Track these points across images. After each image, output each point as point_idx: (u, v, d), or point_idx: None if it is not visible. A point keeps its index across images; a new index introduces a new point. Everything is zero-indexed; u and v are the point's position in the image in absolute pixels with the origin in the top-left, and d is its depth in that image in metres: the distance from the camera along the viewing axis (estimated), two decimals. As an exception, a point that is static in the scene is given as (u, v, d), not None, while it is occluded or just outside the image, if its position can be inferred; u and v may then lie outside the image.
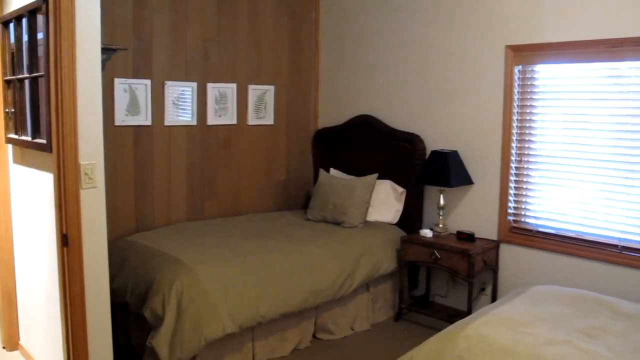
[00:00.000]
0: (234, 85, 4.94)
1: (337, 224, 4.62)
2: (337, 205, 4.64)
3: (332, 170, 5.20)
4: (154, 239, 4.02)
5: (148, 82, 4.38)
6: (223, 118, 4.90)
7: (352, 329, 4.32)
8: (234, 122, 4.98)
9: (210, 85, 4.77)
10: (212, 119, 4.82)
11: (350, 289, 4.14)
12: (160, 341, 3.23)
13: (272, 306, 3.64)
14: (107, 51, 3.74)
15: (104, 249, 2.90)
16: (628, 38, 3.69)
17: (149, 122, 4.42)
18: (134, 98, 4.31)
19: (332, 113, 5.46)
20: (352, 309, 4.32)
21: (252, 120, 5.11)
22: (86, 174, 2.77)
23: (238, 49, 4.96)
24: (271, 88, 5.24)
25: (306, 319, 4.04)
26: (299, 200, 5.52)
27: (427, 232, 4.43)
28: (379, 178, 4.78)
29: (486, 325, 2.81)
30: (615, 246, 3.88)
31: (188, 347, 3.26)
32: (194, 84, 4.67)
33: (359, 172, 4.98)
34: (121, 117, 4.25)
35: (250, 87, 5.07)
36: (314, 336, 4.15)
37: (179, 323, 3.27)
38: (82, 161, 2.76)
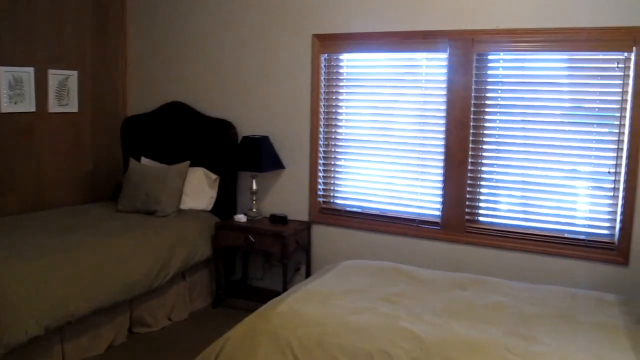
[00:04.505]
0: (31, 70, 4.56)
1: (150, 213, 4.49)
2: (149, 194, 4.51)
3: (143, 159, 5.03)
4: (-61, 241, 3.59)
5: None
6: (20, 105, 4.51)
7: (170, 320, 4.25)
8: (33, 109, 4.61)
9: (2, 69, 4.36)
10: (6, 106, 4.41)
11: (165, 279, 4.07)
12: (-50, 354, 2.92)
13: (82, 303, 3.45)
14: None
15: None
16: (418, 31, 4.07)
17: None
18: None
19: (143, 100, 5.27)
20: (169, 299, 4.25)
21: (53, 107, 4.77)
22: None
23: (35, 29, 4.57)
24: (74, 73, 4.92)
25: (121, 314, 3.90)
26: (108, 191, 5.26)
27: (241, 217, 4.50)
28: (192, 165, 4.74)
29: (298, 301, 2.94)
30: (413, 221, 4.28)
31: (-15, 357, 2.98)
32: (-17, 67, 4.25)
33: (171, 160, 4.88)
34: None
35: (50, 71, 4.72)
36: (130, 331, 4.01)
37: (-26, 331, 2.97)
38: None
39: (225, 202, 4.79)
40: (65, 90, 4.86)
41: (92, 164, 5.17)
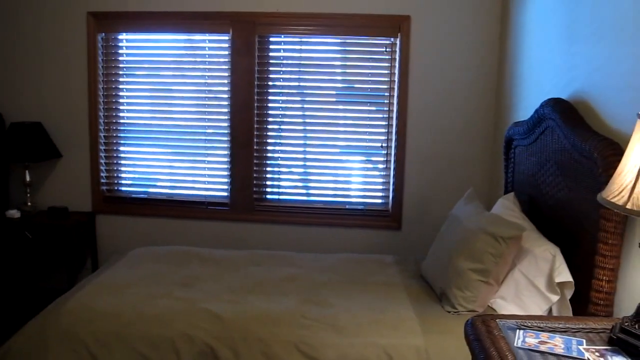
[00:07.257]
0: None
1: None
2: None
3: None
4: None
5: None
6: None
7: None
8: None
9: None
10: None
11: None
12: None
13: None
14: None
15: None
16: (199, 12, 4.03)
17: None
18: None
19: None
20: None
21: None
22: None
23: None
24: None
25: None
26: None
27: (14, 213, 4.10)
28: (-51, 158, 4.18)
29: (88, 294, 2.78)
30: (202, 203, 4.29)
31: None
32: None
33: None
34: None
35: None
36: None
37: None
38: None
39: (-6, 197, 4.31)
40: None
41: None
